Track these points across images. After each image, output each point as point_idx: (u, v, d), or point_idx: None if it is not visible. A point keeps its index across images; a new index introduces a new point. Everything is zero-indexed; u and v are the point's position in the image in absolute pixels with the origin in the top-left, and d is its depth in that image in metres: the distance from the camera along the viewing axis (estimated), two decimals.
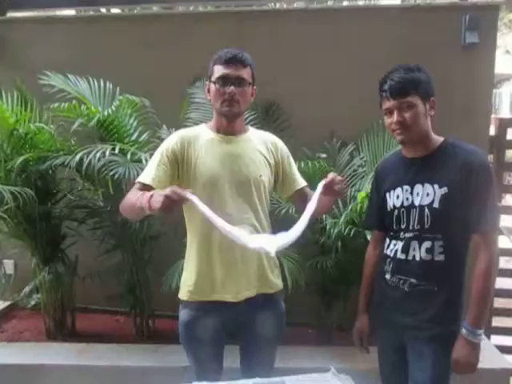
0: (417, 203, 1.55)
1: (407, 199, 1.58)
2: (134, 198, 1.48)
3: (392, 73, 1.54)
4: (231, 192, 1.58)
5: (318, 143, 2.87)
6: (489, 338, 2.98)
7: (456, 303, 1.56)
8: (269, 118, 2.94)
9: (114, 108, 2.46)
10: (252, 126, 2.68)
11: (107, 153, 2.25)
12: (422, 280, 1.56)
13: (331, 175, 1.60)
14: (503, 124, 2.96)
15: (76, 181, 2.70)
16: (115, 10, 4.08)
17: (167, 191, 1.31)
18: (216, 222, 1.38)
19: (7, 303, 3.30)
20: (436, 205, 1.51)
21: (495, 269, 1.52)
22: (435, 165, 1.54)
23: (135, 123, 2.66)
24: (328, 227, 2.42)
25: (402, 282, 1.60)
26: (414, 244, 1.56)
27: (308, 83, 2.95)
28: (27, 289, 2.77)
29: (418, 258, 1.56)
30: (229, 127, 1.62)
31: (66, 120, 2.54)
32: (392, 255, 1.63)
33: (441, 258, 1.53)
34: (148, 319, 2.91)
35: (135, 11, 3.74)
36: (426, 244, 1.54)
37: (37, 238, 2.73)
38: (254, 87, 1.66)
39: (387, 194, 1.65)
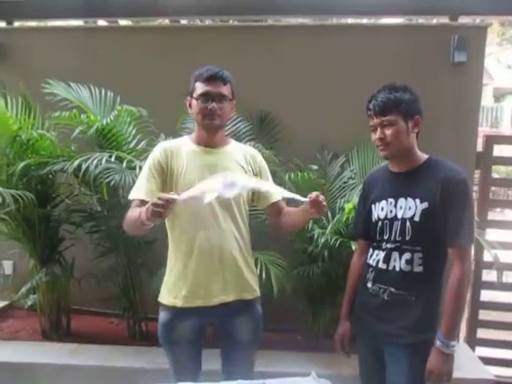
0: (399, 216, 1.64)
1: (391, 211, 1.67)
2: (134, 215, 1.59)
3: (378, 92, 1.66)
4: (210, 203, 1.63)
5: (310, 155, 2.96)
6: (473, 349, 3.05)
7: (433, 313, 1.63)
8: (262, 130, 3.04)
9: (112, 117, 2.55)
10: (246, 137, 2.82)
11: (104, 160, 2.34)
12: (401, 289, 1.64)
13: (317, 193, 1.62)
14: (490, 140, 3.04)
15: (74, 186, 2.78)
16: (119, 22, 4.19)
17: (153, 200, 1.43)
18: (205, 200, 1.46)
19: (5, 303, 3.38)
20: (417, 218, 1.59)
21: (468, 281, 1.60)
22: (417, 180, 1.63)
23: (133, 132, 2.75)
24: (315, 236, 2.50)
25: (382, 290, 1.68)
26: (395, 255, 1.65)
27: (301, 96, 3.05)
28: (24, 289, 2.84)
29: (397, 269, 1.64)
30: (209, 140, 1.71)
31: (66, 127, 2.64)
32: (374, 264, 1.71)
33: (419, 269, 1.61)
34: (141, 321, 2.97)
35: (138, 23, 3.85)
36: (406, 255, 1.63)
37: (35, 240, 2.81)
38: (234, 102, 1.76)
39: (373, 206, 1.74)
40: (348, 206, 2.49)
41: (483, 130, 10.60)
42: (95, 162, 2.31)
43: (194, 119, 1.75)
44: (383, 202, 1.70)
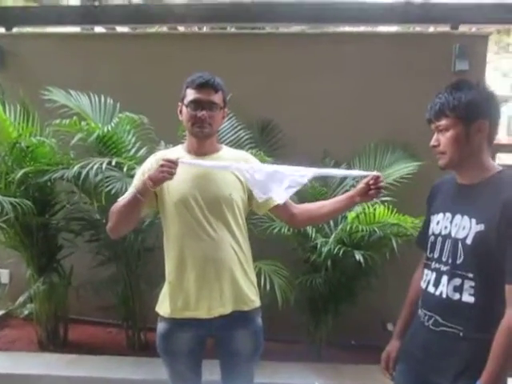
0: (453, 234, 1.42)
1: (445, 228, 1.46)
2: (122, 201, 1.60)
3: (440, 92, 1.44)
4: (202, 212, 1.62)
5: (312, 163, 2.88)
6: None
7: (483, 356, 1.32)
8: (263, 138, 3.02)
9: (113, 124, 2.53)
10: (247, 145, 2.80)
11: (104, 166, 2.31)
12: (448, 320, 1.41)
13: (378, 174, 1.61)
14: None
15: (74, 194, 2.76)
16: (120, 29, 4.19)
17: (160, 163, 1.51)
18: (207, 164, 1.61)
19: (1, 312, 3.33)
20: (469, 241, 1.37)
21: None
22: (478, 197, 1.39)
23: (133, 139, 2.73)
24: (319, 246, 2.48)
25: (427, 317, 1.48)
26: (444, 279, 1.44)
27: (303, 104, 3.04)
28: (21, 299, 2.80)
29: (444, 295, 1.43)
30: (200, 148, 1.68)
31: (66, 134, 2.61)
32: (424, 287, 1.52)
33: (470, 299, 1.37)
34: (140, 331, 2.93)
35: (138, 30, 3.84)
36: (456, 281, 1.40)
37: (33, 249, 2.77)
38: (225, 109, 1.73)
39: (432, 217, 1.55)
40: (351, 215, 2.47)
41: None
42: (95, 167, 2.29)
43: (184, 126, 1.72)
44: (440, 215, 1.50)
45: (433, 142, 1.45)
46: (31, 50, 3.27)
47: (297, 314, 2.70)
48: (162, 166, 1.50)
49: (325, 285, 2.59)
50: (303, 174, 1.64)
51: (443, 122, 1.41)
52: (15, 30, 3.46)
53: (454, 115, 1.39)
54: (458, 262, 1.39)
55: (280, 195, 1.61)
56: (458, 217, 1.43)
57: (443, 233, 1.47)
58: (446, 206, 1.50)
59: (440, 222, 1.49)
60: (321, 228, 2.59)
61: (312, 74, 3.08)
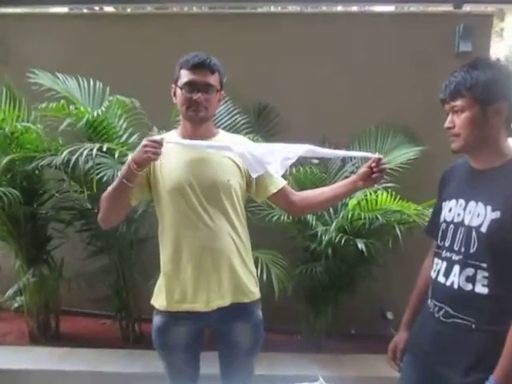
0: (466, 222, 1.35)
1: (458, 215, 1.39)
2: (111, 188, 1.52)
3: (455, 71, 1.34)
4: (198, 199, 1.54)
5: None
6: None
7: (497, 350, 1.27)
8: (260, 122, 2.93)
9: (103, 108, 2.42)
10: (244, 129, 2.70)
11: (94, 152, 2.20)
12: (459, 312, 1.35)
13: (380, 156, 1.55)
14: None
15: (63, 182, 2.65)
16: (108, 9, 4.03)
17: (143, 143, 1.41)
18: (196, 144, 1.52)
19: None
20: (484, 229, 1.30)
21: None
22: (494, 182, 1.32)
23: (125, 124, 2.62)
24: (319, 234, 2.40)
25: (437, 308, 1.42)
26: (456, 268, 1.37)
27: (300, 87, 2.93)
28: (10, 291, 2.71)
29: (456, 286, 1.36)
30: (194, 132, 1.58)
31: (54, 120, 2.50)
32: (434, 276, 1.45)
33: (483, 290, 1.31)
34: (134, 323, 2.86)
35: (128, 10, 3.69)
36: (468, 271, 1.33)
37: (21, 240, 2.68)
38: (222, 92, 1.63)
39: (443, 204, 1.47)
40: (352, 202, 2.39)
41: None
42: (85, 153, 2.18)
43: (178, 110, 1.62)
44: (452, 202, 1.42)
45: (447, 124, 1.36)
46: (16, 32, 3.12)
47: (295, 303, 2.63)
48: (145, 146, 1.40)
49: (325, 274, 2.52)
50: (300, 147, 1.57)
51: (459, 103, 1.32)
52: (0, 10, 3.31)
53: (470, 95, 1.30)
54: (471, 251, 1.32)
55: (276, 168, 1.52)
56: (472, 203, 1.35)
57: (456, 220, 1.39)
58: (459, 192, 1.42)
59: (452, 209, 1.41)
60: (321, 215, 2.52)
61: (309, 55, 2.98)
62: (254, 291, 1.66)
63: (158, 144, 1.41)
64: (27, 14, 3.48)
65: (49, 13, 3.45)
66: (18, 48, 3.10)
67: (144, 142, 1.41)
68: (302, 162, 2.69)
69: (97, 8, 3.75)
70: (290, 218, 2.43)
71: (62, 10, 3.56)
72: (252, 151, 1.52)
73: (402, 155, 2.68)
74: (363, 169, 1.56)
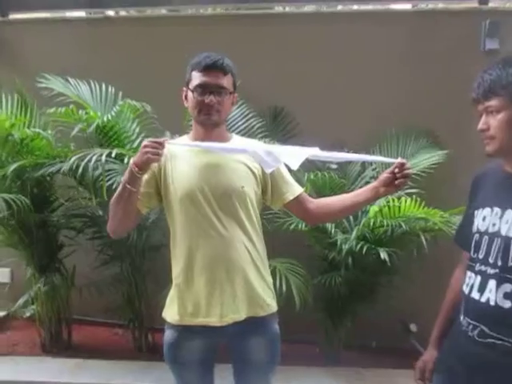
0: (503, 232, 1.25)
1: (493, 225, 1.28)
2: (116, 194, 1.46)
3: (488, 68, 1.25)
4: (211, 207, 1.46)
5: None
6: None
7: None
8: (276, 126, 2.84)
9: (114, 113, 2.35)
10: (259, 133, 2.61)
11: (103, 158, 2.13)
12: (496, 332, 1.24)
13: (404, 160, 1.46)
14: None
15: (74, 189, 2.60)
16: (122, 13, 3.99)
17: (143, 144, 1.36)
18: (202, 145, 1.45)
19: (3, 313, 3.20)
20: None
21: None
22: None
23: (137, 129, 2.56)
24: (339, 242, 2.29)
25: (471, 327, 1.30)
26: (492, 283, 1.26)
27: (317, 90, 2.83)
28: (21, 300, 2.67)
29: (492, 302, 1.25)
30: (207, 137, 1.50)
31: (64, 125, 2.45)
32: (467, 292, 1.33)
33: None
34: (147, 332, 2.79)
35: (141, 14, 3.65)
36: (506, 287, 1.23)
37: (33, 247, 2.64)
38: (236, 95, 1.55)
39: (476, 212, 1.36)
40: (373, 209, 2.28)
41: None
42: (94, 159, 2.11)
43: (190, 114, 1.54)
44: (486, 210, 1.32)
45: (481, 126, 1.25)
46: (28, 37, 3.10)
47: (313, 314, 2.52)
48: (144, 146, 1.34)
49: (344, 284, 2.40)
50: (317, 151, 1.48)
51: (494, 103, 1.22)
52: (11, 16, 3.30)
53: (507, 94, 1.19)
54: (510, 264, 1.21)
55: (291, 161, 1.43)
56: (509, 212, 1.24)
57: (490, 230, 1.28)
58: (494, 199, 1.30)
59: (487, 218, 1.30)
60: (340, 223, 2.41)
61: (327, 58, 2.88)
62: (271, 304, 1.56)
63: (159, 144, 1.35)
64: (39, 19, 3.46)
65: (60, 17, 3.42)
66: (30, 53, 3.08)
67: (144, 142, 1.36)
68: (320, 167, 2.60)
69: (111, 13, 3.71)
70: (308, 225, 2.33)
71: (74, 14, 3.54)
72: (265, 148, 1.47)
73: (425, 159, 2.55)
74: (385, 174, 1.46)
